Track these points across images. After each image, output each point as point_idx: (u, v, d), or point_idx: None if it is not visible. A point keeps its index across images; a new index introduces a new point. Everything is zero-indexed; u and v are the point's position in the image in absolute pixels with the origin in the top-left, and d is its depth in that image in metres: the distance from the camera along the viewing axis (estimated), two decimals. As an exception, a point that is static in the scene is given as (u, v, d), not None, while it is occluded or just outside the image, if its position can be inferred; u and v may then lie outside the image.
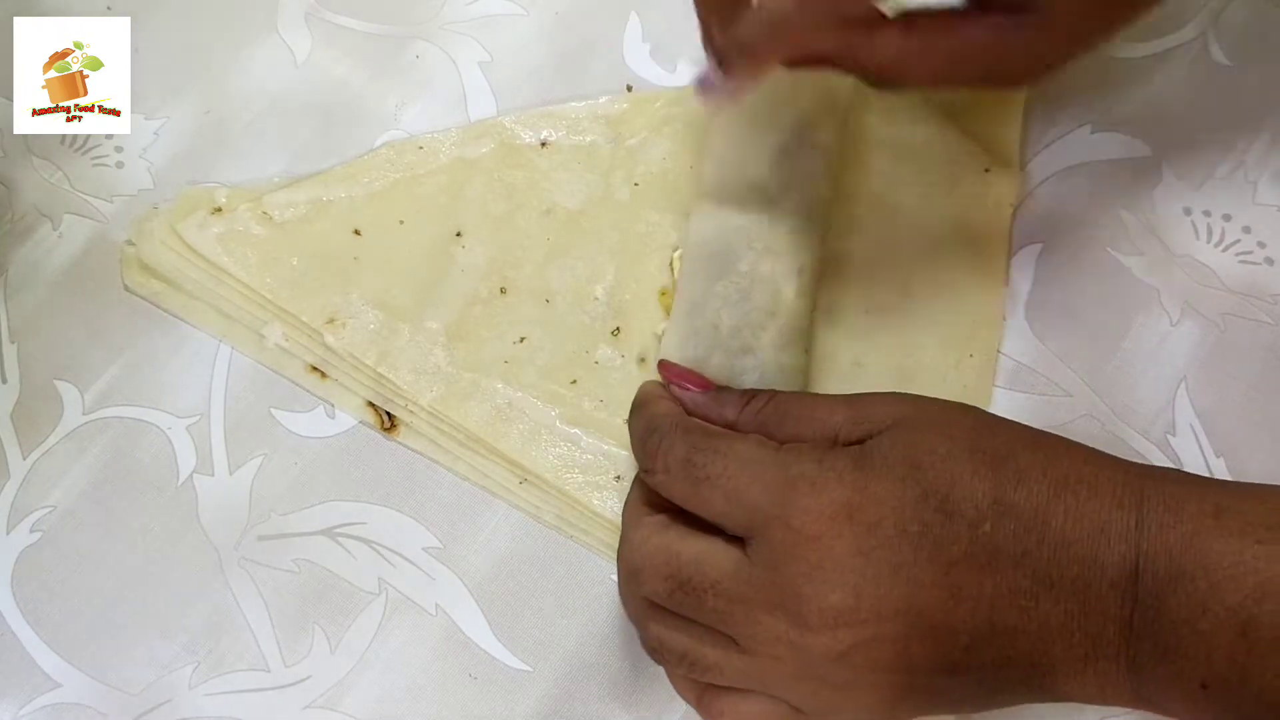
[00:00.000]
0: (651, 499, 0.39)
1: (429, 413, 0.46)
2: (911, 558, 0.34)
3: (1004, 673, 0.34)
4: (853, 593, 0.34)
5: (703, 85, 0.40)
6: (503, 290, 0.47)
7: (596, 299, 0.47)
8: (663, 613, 0.37)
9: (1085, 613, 0.33)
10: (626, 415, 0.43)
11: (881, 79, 0.39)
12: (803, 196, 0.43)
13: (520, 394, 0.46)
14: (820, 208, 0.44)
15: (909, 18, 0.39)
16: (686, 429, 0.38)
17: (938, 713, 0.36)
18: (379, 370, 0.46)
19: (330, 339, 0.46)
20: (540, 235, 0.48)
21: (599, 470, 0.45)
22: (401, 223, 0.48)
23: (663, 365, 0.42)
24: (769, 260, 0.42)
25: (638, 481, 0.40)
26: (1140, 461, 0.36)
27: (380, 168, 0.49)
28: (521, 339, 0.46)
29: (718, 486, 0.36)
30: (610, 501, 0.44)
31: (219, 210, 0.48)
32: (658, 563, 0.37)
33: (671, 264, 0.47)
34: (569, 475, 0.44)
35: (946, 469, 0.34)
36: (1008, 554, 0.33)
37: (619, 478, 0.44)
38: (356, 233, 0.48)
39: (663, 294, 0.47)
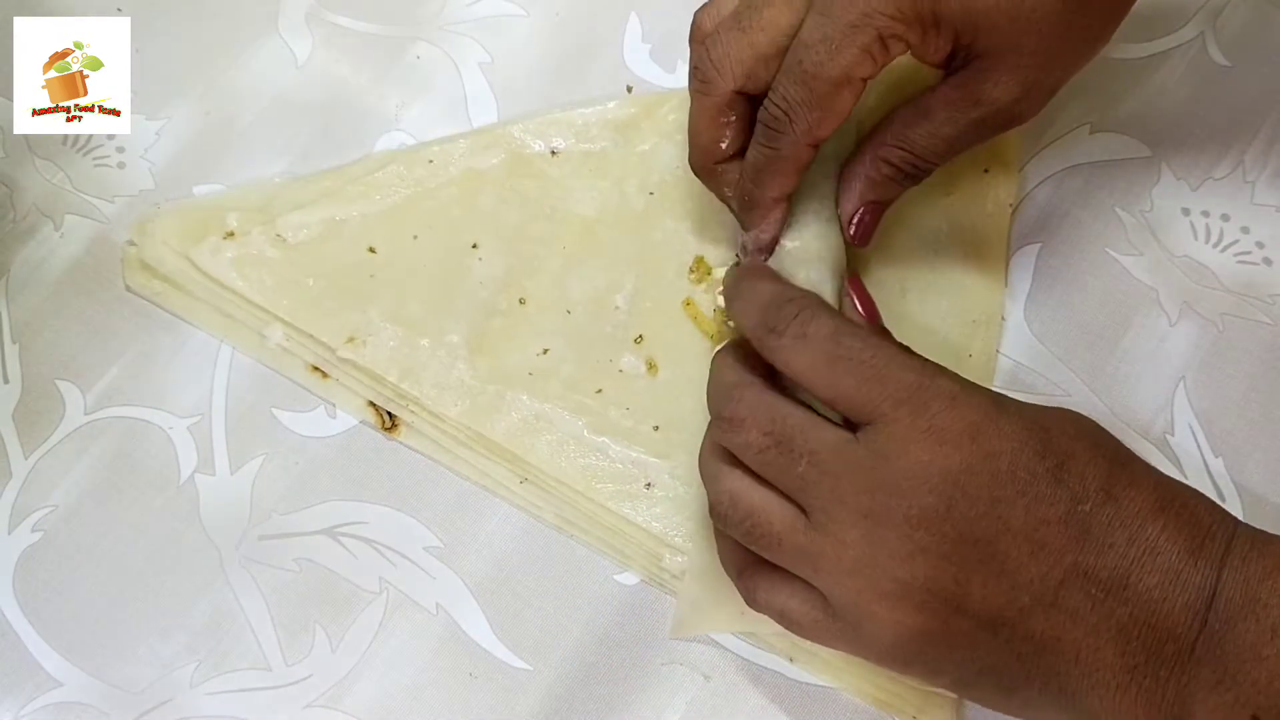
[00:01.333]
0: (748, 363, 0.39)
1: (430, 413, 0.46)
2: (1010, 499, 0.34)
3: (1044, 658, 0.34)
4: (945, 503, 0.34)
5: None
6: (522, 301, 0.47)
7: (617, 308, 0.47)
8: (742, 470, 0.37)
9: (1151, 624, 0.33)
10: (653, 423, 0.45)
11: (914, 181, 0.43)
12: (821, 205, 0.43)
13: (546, 405, 0.46)
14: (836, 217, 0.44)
15: (889, 115, 0.42)
16: (829, 309, 0.38)
17: (958, 675, 0.36)
18: (402, 386, 0.46)
19: (352, 357, 0.46)
20: (556, 244, 0.48)
21: (629, 479, 0.45)
22: (415, 238, 0.48)
23: (854, 280, 0.42)
24: (805, 268, 0.42)
25: (733, 346, 0.40)
26: None
27: (391, 183, 0.49)
28: (544, 350, 0.46)
29: (856, 369, 0.35)
30: (642, 509, 0.44)
31: (231, 234, 0.47)
32: (760, 416, 0.36)
33: (696, 269, 0.47)
34: (600, 485, 0.44)
35: (1071, 443, 0.35)
36: (1096, 539, 0.33)
37: (649, 485, 0.44)
38: (371, 250, 0.48)
39: (686, 304, 0.47)
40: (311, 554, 0.44)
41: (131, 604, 0.44)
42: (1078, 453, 0.35)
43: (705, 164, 0.44)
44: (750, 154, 0.42)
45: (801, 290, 0.39)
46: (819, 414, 0.37)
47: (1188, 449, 0.45)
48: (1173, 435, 0.45)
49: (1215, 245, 0.48)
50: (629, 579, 0.44)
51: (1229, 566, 0.33)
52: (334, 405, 0.47)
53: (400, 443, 0.46)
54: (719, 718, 0.43)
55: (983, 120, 0.41)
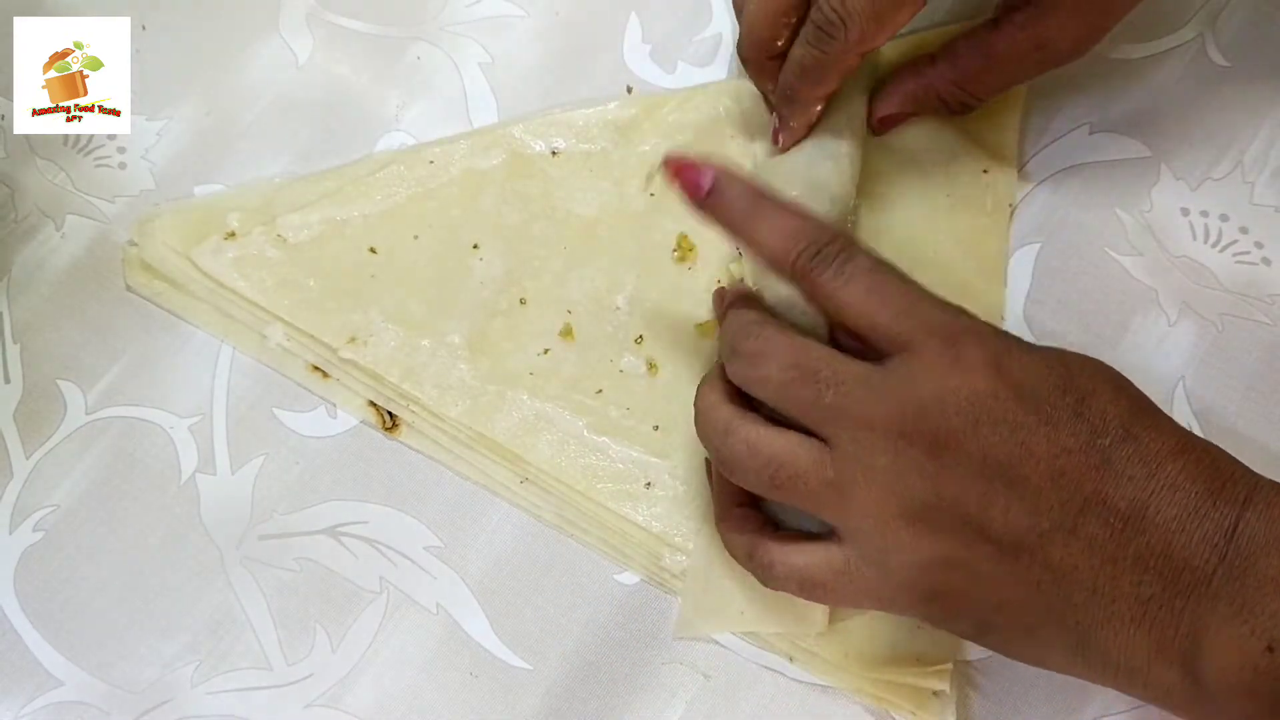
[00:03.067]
0: (759, 307, 0.40)
1: (431, 413, 0.46)
2: (1033, 425, 0.34)
3: (1062, 587, 0.34)
4: (971, 424, 0.35)
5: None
6: (522, 301, 0.47)
7: (618, 309, 0.47)
8: (754, 418, 0.38)
9: (1168, 554, 0.33)
10: (653, 423, 0.45)
11: (954, 112, 0.45)
12: (835, 202, 0.44)
13: (547, 405, 0.46)
14: (847, 213, 0.45)
15: (949, 48, 0.44)
16: (869, 251, 0.39)
17: (978, 613, 0.36)
18: (403, 387, 0.46)
19: (353, 357, 0.46)
20: (557, 245, 0.48)
21: (630, 479, 0.45)
22: (416, 238, 0.48)
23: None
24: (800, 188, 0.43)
25: (746, 295, 0.41)
26: None
27: (391, 183, 0.49)
28: (545, 350, 0.47)
29: (892, 301, 0.37)
30: (642, 509, 0.44)
31: (232, 235, 0.48)
32: (783, 352, 0.37)
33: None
34: (600, 485, 0.44)
35: (1094, 383, 0.36)
36: (1115, 471, 0.34)
37: (649, 484, 0.44)
38: (372, 250, 0.48)
39: (699, 327, 0.47)
40: (312, 554, 0.45)
41: (132, 603, 0.44)
42: (1099, 391, 0.35)
43: (757, 57, 0.45)
44: (797, 50, 0.43)
45: (835, 229, 0.39)
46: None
47: (1187, 449, 0.45)
48: (1172, 435, 0.45)
49: (1214, 245, 0.48)
50: (629, 579, 0.44)
51: (1252, 508, 0.33)
52: (334, 405, 0.47)
53: (400, 443, 0.46)
54: (719, 718, 0.43)
55: (1041, 61, 0.44)
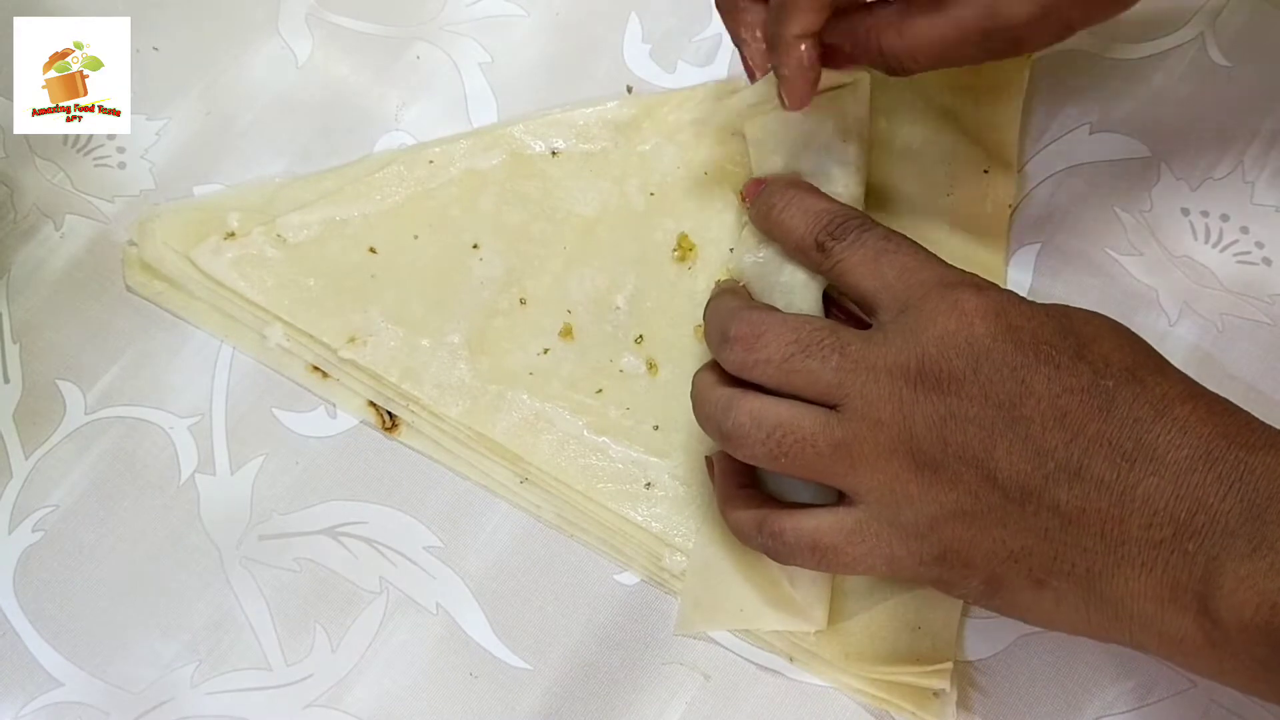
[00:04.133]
0: (744, 294, 0.41)
1: (431, 413, 0.46)
2: (1033, 365, 0.35)
3: (1071, 532, 0.34)
4: (971, 366, 0.35)
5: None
6: (523, 301, 0.47)
7: (618, 308, 0.47)
8: (756, 390, 0.38)
9: (1178, 494, 0.33)
10: (653, 423, 0.45)
11: (891, 70, 0.41)
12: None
13: (547, 405, 0.46)
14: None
15: (901, 7, 0.40)
16: (863, 218, 0.40)
17: (988, 567, 0.36)
18: (403, 387, 0.46)
19: (353, 357, 0.46)
20: (557, 245, 0.48)
21: (629, 479, 0.45)
22: (416, 238, 0.48)
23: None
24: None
25: (727, 285, 0.43)
26: None
27: (391, 183, 0.49)
28: (545, 350, 0.46)
29: (899, 261, 0.38)
30: (642, 509, 0.44)
31: (232, 235, 0.47)
32: (784, 328, 0.38)
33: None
34: (600, 485, 0.44)
35: (1097, 330, 0.36)
36: (1121, 412, 0.34)
37: (649, 485, 0.44)
38: (372, 250, 0.48)
39: (698, 329, 0.47)
40: (312, 554, 0.45)
41: (132, 604, 0.44)
42: (1102, 337, 0.36)
43: (730, 2, 0.43)
44: None
45: (856, 211, 0.41)
46: None
47: (1187, 449, 0.45)
48: (1172, 435, 0.45)
49: (1215, 245, 0.48)
50: (629, 579, 0.44)
51: (1269, 451, 0.33)
52: (334, 405, 0.47)
53: (400, 443, 0.46)
54: (719, 718, 0.43)
55: (988, 34, 0.39)
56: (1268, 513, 0.31)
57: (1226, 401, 0.35)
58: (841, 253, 0.39)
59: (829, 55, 0.41)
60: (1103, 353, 0.35)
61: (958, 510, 0.36)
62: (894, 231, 0.40)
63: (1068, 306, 0.37)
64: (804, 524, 0.38)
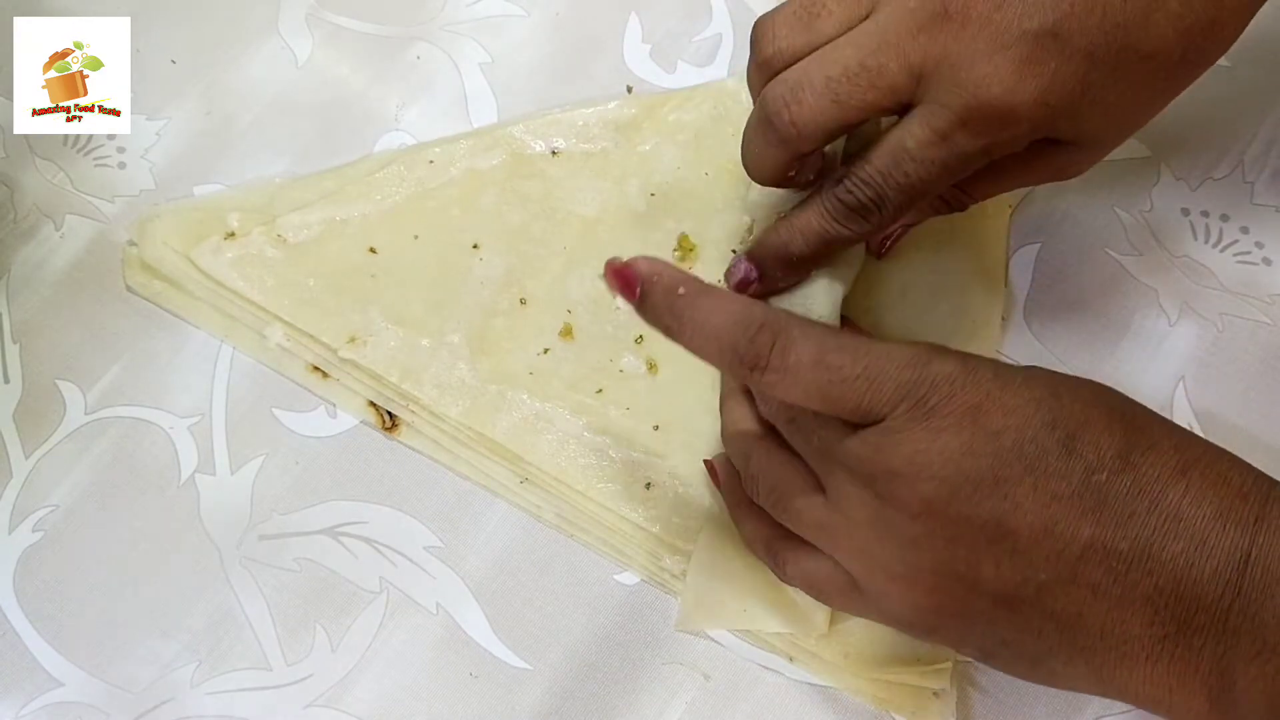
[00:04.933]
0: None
1: (431, 413, 0.46)
2: (1017, 477, 0.33)
3: (1068, 635, 0.33)
4: (948, 489, 0.33)
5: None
6: (523, 301, 0.47)
7: (618, 308, 0.47)
8: (770, 447, 0.38)
9: (1178, 593, 0.32)
10: (653, 423, 0.45)
11: (950, 209, 0.44)
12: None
13: (547, 405, 0.46)
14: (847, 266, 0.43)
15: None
16: (807, 328, 0.35)
17: (981, 645, 0.35)
18: (403, 387, 0.46)
19: (353, 357, 0.46)
20: (557, 245, 0.48)
21: (629, 479, 0.45)
22: (416, 237, 0.48)
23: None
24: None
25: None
26: None
27: (392, 183, 0.49)
28: (545, 350, 0.46)
29: (850, 386, 0.34)
30: (642, 510, 0.44)
31: (232, 235, 0.47)
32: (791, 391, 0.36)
33: None
34: (600, 485, 0.44)
35: (1084, 411, 0.34)
36: (1114, 510, 0.32)
37: (649, 485, 0.44)
38: (372, 250, 0.48)
39: None
40: (312, 554, 0.45)
41: (132, 604, 0.44)
42: (1092, 420, 0.33)
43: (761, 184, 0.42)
44: (816, 222, 0.40)
45: (762, 309, 0.35)
46: None
47: (1187, 449, 0.45)
48: (1172, 435, 0.45)
49: (1215, 245, 0.48)
50: (629, 579, 0.44)
51: (1265, 530, 0.32)
52: (334, 405, 0.47)
53: (400, 443, 0.46)
54: (719, 718, 0.43)
55: (1046, 179, 0.43)
56: (1264, 610, 0.31)
57: (1221, 463, 0.34)
58: (771, 389, 0.35)
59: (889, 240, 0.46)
60: (1093, 439, 0.33)
61: (941, 609, 0.35)
62: (821, 338, 0.35)
63: (1055, 382, 0.34)
64: (804, 567, 0.38)
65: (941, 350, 0.35)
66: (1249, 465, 0.34)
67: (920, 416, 0.33)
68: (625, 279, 0.36)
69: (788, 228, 0.40)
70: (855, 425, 0.35)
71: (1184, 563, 0.32)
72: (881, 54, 0.37)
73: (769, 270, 0.41)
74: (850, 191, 0.39)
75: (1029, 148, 0.39)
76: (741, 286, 0.42)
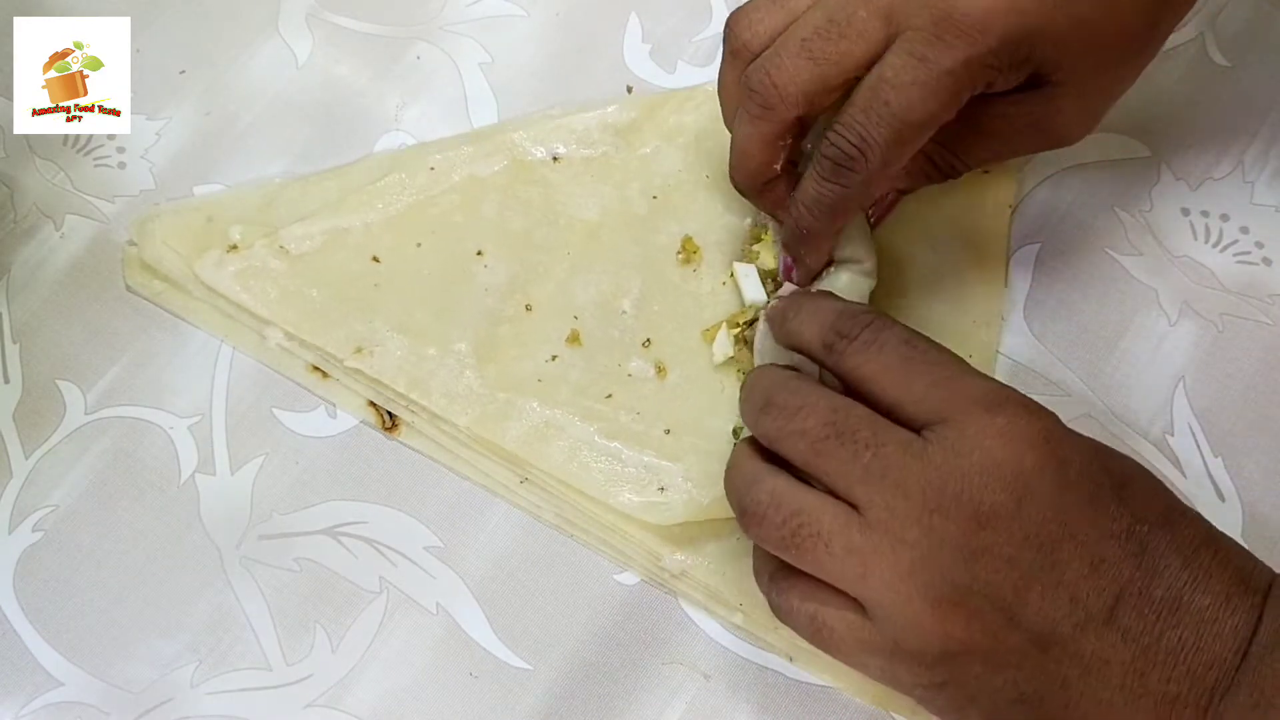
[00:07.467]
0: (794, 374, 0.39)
1: (442, 421, 0.46)
2: (1078, 506, 0.33)
3: (1090, 682, 0.33)
4: (1016, 501, 0.33)
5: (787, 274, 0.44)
6: (528, 308, 0.47)
7: (624, 312, 0.47)
8: (783, 471, 0.36)
9: (1199, 647, 0.33)
10: (664, 426, 0.44)
11: (942, 176, 0.44)
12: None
13: (557, 412, 0.45)
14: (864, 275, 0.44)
15: (949, 134, 0.41)
16: (902, 324, 0.38)
17: (989, 707, 0.34)
18: (411, 396, 0.45)
19: (360, 367, 0.46)
20: (561, 250, 0.48)
21: (644, 484, 0.44)
22: (419, 246, 0.48)
23: None
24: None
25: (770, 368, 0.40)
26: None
27: (393, 192, 0.49)
28: (553, 356, 0.46)
29: (930, 370, 0.36)
30: (654, 515, 0.43)
31: (234, 248, 0.47)
32: (821, 405, 0.36)
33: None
34: (613, 490, 0.44)
35: (1133, 467, 0.36)
36: (1153, 560, 0.33)
37: (663, 489, 0.44)
38: (375, 259, 0.48)
39: (705, 333, 0.46)
40: (312, 554, 0.45)
41: (132, 604, 0.44)
42: (1138, 478, 0.35)
43: (751, 184, 0.42)
44: (811, 188, 0.40)
45: (868, 309, 0.39)
46: None
47: (1187, 449, 0.45)
48: (1172, 435, 0.45)
49: (1215, 245, 0.48)
50: (629, 579, 0.44)
51: (1273, 596, 0.33)
52: (334, 405, 0.47)
53: (400, 442, 0.46)
54: (719, 718, 0.43)
55: (1036, 140, 0.42)
56: (1264, 666, 0.32)
57: (1236, 545, 0.35)
58: (854, 357, 0.36)
59: (898, 200, 0.45)
60: (1142, 493, 0.35)
61: (971, 648, 0.33)
62: (912, 333, 0.37)
63: (1100, 444, 0.36)
64: (809, 605, 0.36)
65: (1010, 386, 0.36)
66: (1252, 552, 0.35)
67: (999, 424, 0.34)
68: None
69: (794, 204, 0.41)
70: (916, 429, 0.35)
71: (1209, 616, 0.33)
72: (849, 5, 0.38)
73: (796, 253, 0.42)
74: (834, 143, 0.38)
75: (1014, 100, 0.40)
76: (786, 275, 0.44)
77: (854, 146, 0.38)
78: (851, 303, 0.40)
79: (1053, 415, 0.35)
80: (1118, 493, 0.34)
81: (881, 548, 0.34)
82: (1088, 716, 0.34)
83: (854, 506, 0.35)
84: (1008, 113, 0.41)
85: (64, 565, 0.44)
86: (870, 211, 0.45)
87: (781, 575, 0.37)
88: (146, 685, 0.43)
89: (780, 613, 0.37)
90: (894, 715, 0.42)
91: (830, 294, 0.41)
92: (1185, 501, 0.36)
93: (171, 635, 0.44)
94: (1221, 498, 0.44)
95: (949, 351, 0.37)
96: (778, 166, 0.41)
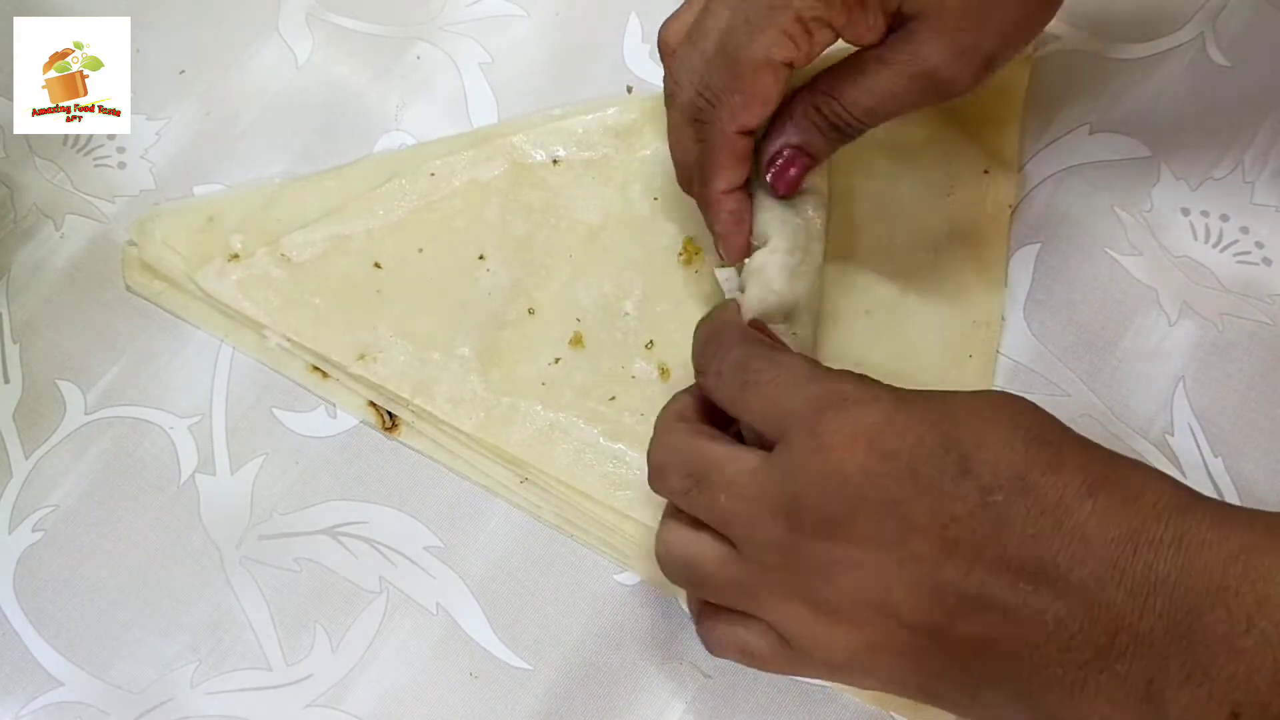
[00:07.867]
0: (686, 410, 0.39)
1: (448, 427, 0.46)
2: (912, 498, 0.32)
3: (988, 661, 0.32)
4: (849, 510, 0.33)
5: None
6: (531, 311, 0.47)
7: (627, 314, 0.47)
8: (679, 517, 0.37)
9: (1091, 616, 0.31)
10: None
11: (844, 136, 0.42)
12: (797, 245, 0.42)
13: (561, 415, 0.45)
14: (814, 253, 0.43)
15: (829, 78, 0.41)
16: (747, 339, 0.38)
17: (918, 681, 0.35)
18: (415, 402, 0.45)
19: (364, 373, 0.46)
20: (563, 253, 0.48)
21: (646, 484, 0.44)
22: (421, 251, 0.48)
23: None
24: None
25: (681, 394, 0.40)
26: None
27: (394, 197, 0.49)
28: (556, 359, 0.46)
29: (760, 391, 0.36)
30: (658, 516, 0.43)
31: (236, 256, 0.47)
32: (677, 459, 0.37)
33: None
34: (619, 493, 0.44)
35: (981, 430, 0.33)
36: (1015, 531, 0.32)
37: None
38: (377, 265, 0.48)
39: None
40: (312, 554, 0.45)
41: (132, 604, 0.44)
42: (987, 441, 0.33)
43: (688, 180, 0.43)
44: (690, 154, 0.42)
45: (732, 319, 0.39)
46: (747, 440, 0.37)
47: (1187, 449, 0.45)
48: (1172, 435, 0.45)
49: (1215, 245, 0.48)
50: (629, 579, 0.44)
51: (1183, 551, 0.30)
52: (334, 405, 0.47)
53: (400, 442, 0.46)
54: (719, 718, 0.43)
55: (913, 81, 0.40)
56: (1194, 633, 0.30)
57: (1134, 480, 0.32)
58: (709, 389, 0.38)
59: (796, 161, 0.41)
60: (989, 460, 0.32)
61: (871, 645, 0.34)
62: (751, 348, 0.37)
63: (952, 402, 0.34)
64: (732, 636, 0.37)
65: (844, 374, 0.36)
66: (1169, 480, 0.33)
67: (814, 437, 0.34)
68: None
69: (693, 180, 0.43)
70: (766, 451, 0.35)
71: (1094, 585, 0.31)
72: None
73: (713, 232, 0.43)
74: (685, 100, 0.40)
75: (888, 44, 0.39)
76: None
77: (703, 98, 0.40)
78: (719, 322, 0.39)
79: (881, 401, 0.34)
80: (962, 466, 0.32)
81: (756, 576, 0.35)
82: (1001, 686, 0.33)
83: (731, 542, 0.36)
84: (883, 57, 0.40)
85: (64, 565, 0.44)
86: (772, 180, 0.42)
87: (704, 615, 0.38)
88: (146, 685, 0.43)
89: (711, 649, 0.38)
90: (893, 715, 0.42)
91: (708, 317, 0.40)
92: (1068, 436, 0.34)
93: (171, 635, 0.44)
94: (1221, 497, 0.44)
95: (785, 362, 0.36)
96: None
